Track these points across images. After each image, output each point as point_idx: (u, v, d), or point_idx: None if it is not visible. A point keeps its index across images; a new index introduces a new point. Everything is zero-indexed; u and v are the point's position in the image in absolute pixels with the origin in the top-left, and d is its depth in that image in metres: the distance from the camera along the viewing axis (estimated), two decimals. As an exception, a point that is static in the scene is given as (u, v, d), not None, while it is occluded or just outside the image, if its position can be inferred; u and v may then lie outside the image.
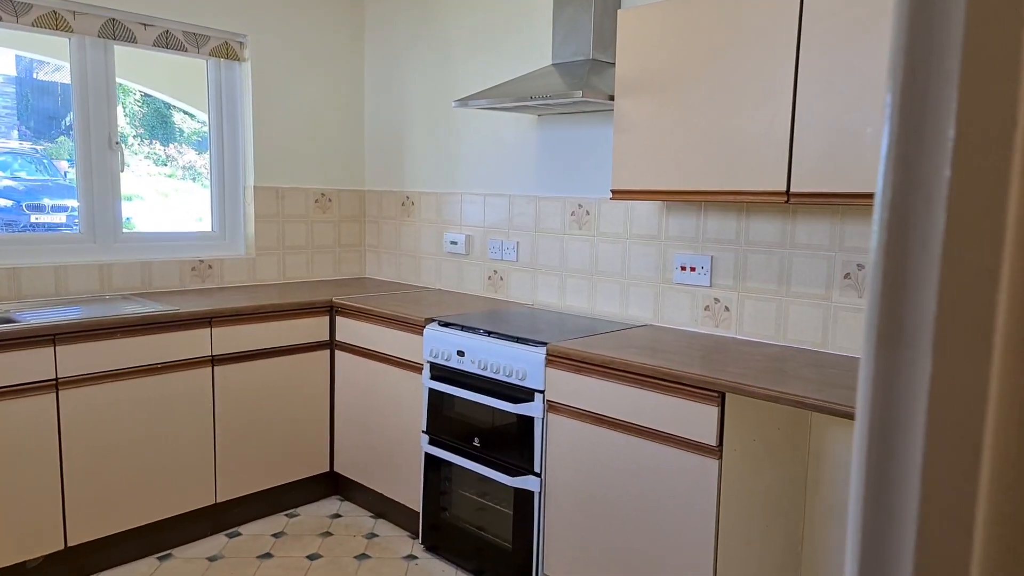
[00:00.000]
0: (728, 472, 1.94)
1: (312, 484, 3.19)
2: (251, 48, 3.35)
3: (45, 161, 3.52)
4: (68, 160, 3.29)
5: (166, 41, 3.09)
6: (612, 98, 2.41)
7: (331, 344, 3.17)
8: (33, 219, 3.45)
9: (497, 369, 2.46)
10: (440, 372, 2.67)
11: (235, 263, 3.40)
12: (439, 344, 2.66)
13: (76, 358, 2.43)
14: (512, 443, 2.43)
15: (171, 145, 3.72)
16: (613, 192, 2.42)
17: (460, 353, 2.59)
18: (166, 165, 3.68)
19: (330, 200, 3.73)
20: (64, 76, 3.07)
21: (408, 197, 3.66)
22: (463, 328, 2.63)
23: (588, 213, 2.91)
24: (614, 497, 2.16)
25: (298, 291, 3.31)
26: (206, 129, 3.39)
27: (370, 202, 3.87)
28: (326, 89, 3.65)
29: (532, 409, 2.36)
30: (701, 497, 1.95)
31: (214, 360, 2.79)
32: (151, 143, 3.69)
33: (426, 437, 2.74)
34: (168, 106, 3.68)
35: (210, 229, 3.43)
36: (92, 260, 2.97)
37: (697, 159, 2.19)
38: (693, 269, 2.59)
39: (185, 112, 3.68)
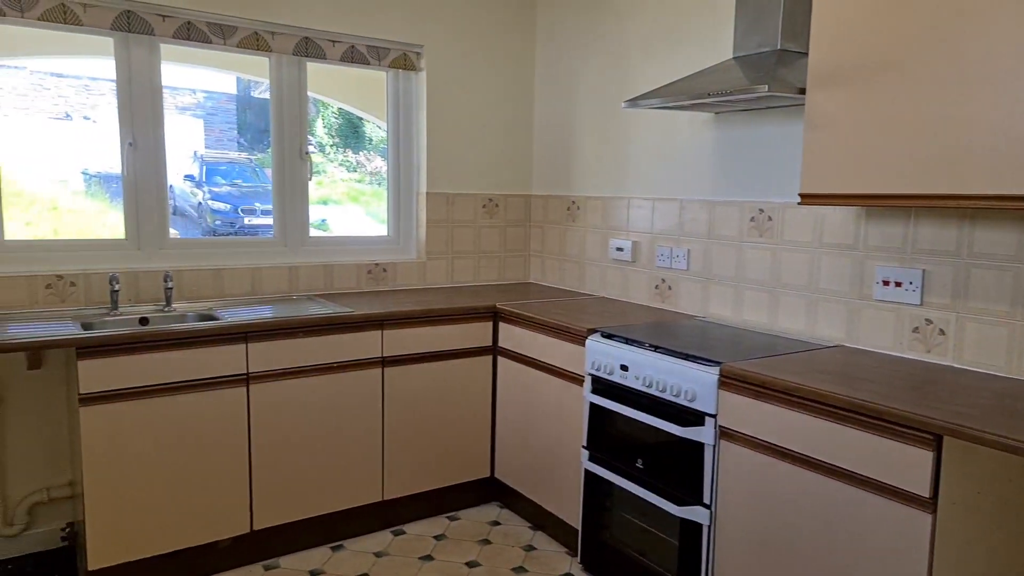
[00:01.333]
0: (944, 529, 1.63)
1: (473, 488, 3.21)
2: (427, 58, 3.45)
3: (257, 170, 3.90)
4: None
5: (351, 56, 3.26)
6: (803, 91, 2.15)
7: (494, 350, 3.17)
8: (246, 221, 3.86)
9: (663, 388, 2.29)
10: (602, 386, 2.55)
11: (407, 267, 3.52)
12: (601, 356, 2.54)
13: (265, 355, 2.61)
14: (679, 469, 2.25)
15: (361, 152, 3.97)
16: (802, 196, 2.16)
17: (623, 367, 2.45)
18: (356, 171, 3.93)
19: (497, 205, 3.75)
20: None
21: (574, 202, 3.58)
22: (626, 341, 2.49)
23: (770, 219, 2.64)
24: (798, 542, 1.91)
25: (464, 295, 3.35)
26: (392, 137, 3.53)
27: (536, 207, 3.84)
28: (496, 95, 3.67)
29: (702, 434, 2.17)
30: (909, 556, 1.66)
31: (384, 361, 2.88)
32: (344, 151, 3.97)
33: (586, 453, 2.63)
34: (360, 117, 3.93)
35: (386, 233, 3.57)
36: (283, 263, 3.20)
37: (908, 158, 1.88)
38: (899, 284, 2.25)
39: (374, 123, 3.89)
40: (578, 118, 3.52)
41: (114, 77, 2.81)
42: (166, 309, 2.79)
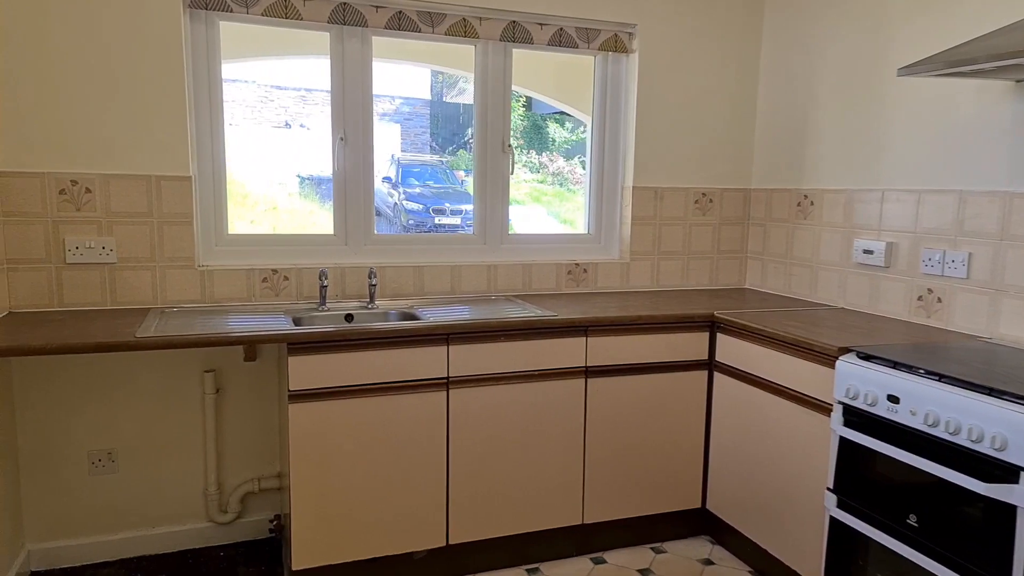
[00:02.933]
0: None
1: (680, 519, 2.85)
2: (639, 38, 3.13)
3: (448, 172, 3.92)
4: (464, 170, 3.56)
5: (559, 39, 3.03)
6: None
7: (710, 364, 2.78)
8: (436, 221, 3.87)
9: (956, 429, 1.79)
10: (859, 419, 2.09)
11: (608, 267, 3.23)
12: (860, 383, 2.08)
13: (465, 358, 2.45)
14: (975, 534, 1.75)
15: (544, 154, 3.81)
16: None
17: (892, 399, 1.97)
18: (538, 172, 3.78)
19: (711, 200, 3.34)
20: (465, 98, 3.27)
21: (806, 196, 3.08)
22: (895, 365, 2.01)
23: (1102, 215, 2.02)
24: None
25: (672, 300, 2.99)
26: (574, 138, 3.30)
27: (756, 202, 3.38)
28: (715, 76, 3.27)
29: (1014, 495, 1.65)
30: None
31: (587, 372, 2.62)
32: (528, 152, 3.85)
33: (833, 498, 2.17)
34: (544, 117, 3.76)
35: (585, 231, 3.31)
36: (481, 261, 3.05)
37: None
38: None
39: (562, 115, 3.68)
40: (815, 98, 3.02)
41: (326, 87, 2.82)
42: (370, 306, 2.73)
